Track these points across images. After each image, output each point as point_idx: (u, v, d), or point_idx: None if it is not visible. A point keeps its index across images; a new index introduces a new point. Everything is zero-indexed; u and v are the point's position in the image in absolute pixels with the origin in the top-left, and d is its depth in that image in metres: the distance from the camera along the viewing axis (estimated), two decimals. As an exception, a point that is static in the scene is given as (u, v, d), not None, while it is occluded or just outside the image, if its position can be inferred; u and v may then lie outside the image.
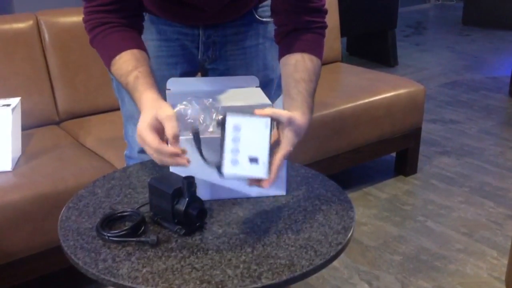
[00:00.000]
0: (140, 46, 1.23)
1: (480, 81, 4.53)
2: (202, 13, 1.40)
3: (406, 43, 5.74)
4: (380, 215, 2.59)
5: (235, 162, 1.03)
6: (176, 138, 1.02)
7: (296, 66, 1.23)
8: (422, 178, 2.94)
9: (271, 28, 1.52)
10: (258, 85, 1.42)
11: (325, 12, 1.32)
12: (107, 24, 1.23)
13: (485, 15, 6.37)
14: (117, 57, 1.20)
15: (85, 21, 1.26)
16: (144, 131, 1.04)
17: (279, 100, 1.32)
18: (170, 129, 1.02)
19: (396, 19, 4.72)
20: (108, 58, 1.22)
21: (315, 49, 1.26)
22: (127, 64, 1.18)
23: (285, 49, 1.27)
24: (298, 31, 1.27)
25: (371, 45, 4.91)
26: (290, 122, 1.10)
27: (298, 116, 1.13)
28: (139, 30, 1.30)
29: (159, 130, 1.05)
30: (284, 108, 1.19)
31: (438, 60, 5.17)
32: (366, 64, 4.52)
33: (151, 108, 1.07)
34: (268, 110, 1.07)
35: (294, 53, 1.25)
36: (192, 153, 1.16)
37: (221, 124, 1.05)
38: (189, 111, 1.31)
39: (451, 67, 4.92)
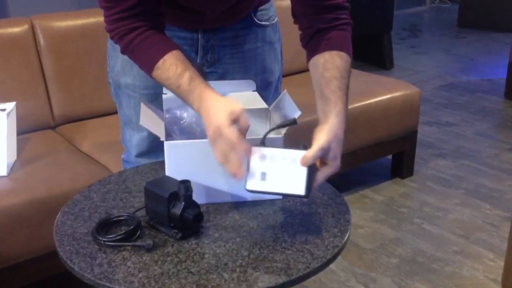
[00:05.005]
0: (176, 46, 1.23)
1: (476, 83, 4.54)
2: (203, 17, 1.40)
3: (402, 45, 5.75)
4: (377, 217, 2.59)
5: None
6: (246, 131, 1.07)
7: (325, 65, 1.19)
8: (418, 181, 2.94)
9: (270, 32, 1.53)
10: (255, 89, 1.42)
11: (347, 8, 1.27)
12: (136, 29, 1.21)
13: (480, 17, 6.38)
14: (160, 62, 1.19)
15: (109, 30, 1.24)
16: (225, 126, 1.05)
17: (279, 99, 1.31)
18: (245, 122, 1.06)
19: (391, 22, 4.72)
20: (149, 63, 1.22)
21: (342, 45, 1.22)
22: (175, 67, 1.18)
23: (312, 51, 1.24)
24: (322, 31, 1.24)
25: (367, 48, 4.92)
26: (329, 147, 1.08)
27: (332, 124, 1.11)
28: (163, 30, 1.28)
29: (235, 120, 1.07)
30: (318, 110, 1.17)
31: (434, 62, 5.18)
32: (362, 67, 4.52)
33: (223, 103, 1.09)
34: (310, 158, 1.05)
35: (322, 52, 1.21)
36: (194, 156, 1.16)
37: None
38: (185, 115, 1.31)
39: (447, 70, 4.93)
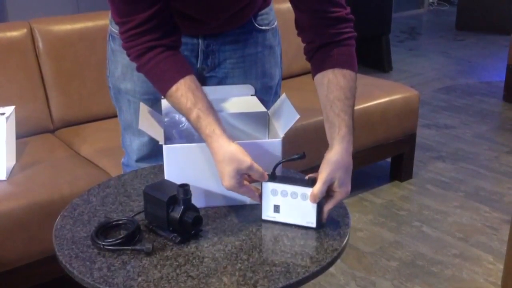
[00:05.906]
0: (189, 70, 1.21)
1: (474, 86, 4.54)
2: (204, 25, 1.40)
3: (400, 48, 5.75)
4: (376, 220, 2.59)
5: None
6: (264, 178, 1.13)
7: (329, 86, 1.20)
8: (417, 183, 2.94)
9: (270, 36, 1.53)
10: (253, 93, 1.42)
11: (351, 20, 1.27)
12: (152, 50, 1.19)
13: (478, 20, 6.39)
14: (173, 89, 1.17)
15: (127, 48, 1.22)
16: (236, 189, 1.12)
17: (278, 102, 1.32)
18: (258, 176, 1.12)
19: (390, 25, 4.73)
20: (162, 89, 1.21)
21: (346, 62, 1.23)
22: (185, 100, 1.16)
23: (316, 68, 1.25)
24: (326, 46, 1.24)
25: (365, 51, 4.91)
26: (333, 178, 1.13)
27: (335, 152, 1.15)
28: (179, 46, 1.26)
29: (243, 176, 1.12)
30: (326, 133, 1.19)
31: (432, 65, 5.18)
32: (360, 70, 4.46)
33: (229, 164, 1.10)
34: (316, 195, 1.11)
35: (325, 70, 1.22)
36: (193, 159, 1.17)
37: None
38: (183, 119, 1.31)
39: (445, 72, 4.94)
